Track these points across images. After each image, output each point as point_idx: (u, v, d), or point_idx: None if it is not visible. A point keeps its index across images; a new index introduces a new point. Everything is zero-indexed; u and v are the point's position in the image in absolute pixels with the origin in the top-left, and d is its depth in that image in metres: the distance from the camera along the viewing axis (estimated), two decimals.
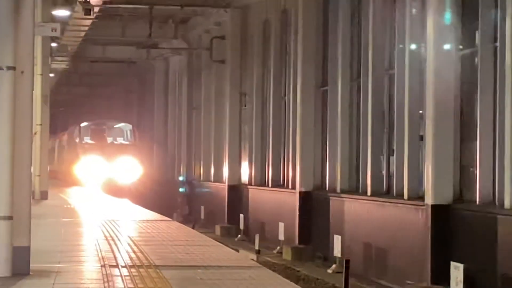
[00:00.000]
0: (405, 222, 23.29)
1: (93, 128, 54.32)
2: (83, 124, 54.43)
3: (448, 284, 20.05)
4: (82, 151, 51.47)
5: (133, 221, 20.94)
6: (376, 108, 26.58)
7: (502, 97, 20.01)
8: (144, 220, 20.88)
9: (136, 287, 9.11)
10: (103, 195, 40.15)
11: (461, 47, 22.45)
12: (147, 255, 11.74)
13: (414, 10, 24.12)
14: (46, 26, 22.56)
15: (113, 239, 14.34)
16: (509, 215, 19.22)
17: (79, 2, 27.86)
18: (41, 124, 25.20)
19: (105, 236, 14.48)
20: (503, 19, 20.10)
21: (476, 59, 21.71)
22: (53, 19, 27.98)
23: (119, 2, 38.49)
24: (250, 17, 38.90)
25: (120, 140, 54.73)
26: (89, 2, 27.11)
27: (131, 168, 50.12)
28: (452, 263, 19.99)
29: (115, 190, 45.22)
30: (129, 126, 55.13)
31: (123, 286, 9.15)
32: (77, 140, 52.86)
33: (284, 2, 34.08)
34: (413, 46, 24.31)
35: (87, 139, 53.15)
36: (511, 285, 18.94)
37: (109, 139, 54.19)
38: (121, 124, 56.03)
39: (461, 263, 19.80)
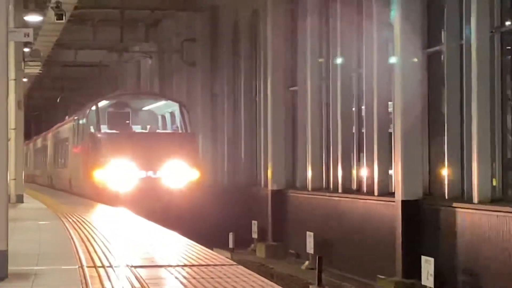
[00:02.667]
0: (376, 218, 23.34)
1: (115, 112, 34.09)
2: (103, 103, 33.83)
3: (419, 278, 20.17)
4: (102, 148, 30.72)
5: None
6: (345, 106, 26.65)
7: (469, 94, 20.14)
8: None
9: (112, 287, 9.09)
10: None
11: (427, 46, 22.41)
12: None
13: (380, 11, 24.07)
14: (18, 31, 22.43)
15: None
16: (477, 209, 19.29)
17: (51, 7, 27.75)
18: (15, 129, 25.10)
19: None
20: (468, 18, 20.24)
21: (442, 58, 21.81)
22: (26, 25, 27.91)
23: (90, 7, 38.34)
24: (220, 19, 38.82)
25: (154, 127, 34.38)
26: (60, 7, 26.99)
27: (181, 170, 30.24)
28: (423, 257, 20.12)
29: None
30: (175, 106, 33.70)
31: (100, 286, 9.12)
32: (91, 130, 31.86)
33: (253, 3, 34.07)
34: (380, 46, 24.25)
35: (108, 128, 32.67)
36: (477, 276, 19.06)
37: (140, 127, 33.92)
38: (161, 103, 34.88)
39: (432, 257, 19.90)
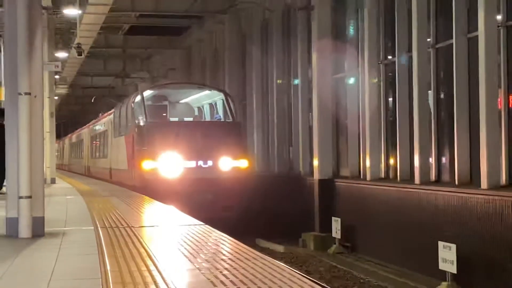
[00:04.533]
0: (302, 192, 22.85)
1: (159, 101, 25.88)
2: (147, 93, 24.59)
3: (331, 232, 20.28)
4: (148, 137, 22.07)
5: None
6: (280, 113, 26.72)
7: (363, 106, 20.25)
8: None
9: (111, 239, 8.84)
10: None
11: (336, 72, 22.25)
12: None
13: (303, 43, 23.94)
14: (51, 64, 22.54)
15: None
16: (370, 185, 19.36)
17: (74, 47, 27.98)
18: (49, 132, 25.15)
19: None
20: (363, 52, 20.35)
21: (345, 81, 21.82)
22: (56, 59, 28.10)
23: (101, 47, 38.40)
24: (192, 55, 38.89)
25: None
26: (81, 47, 27.24)
27: (231, 159, 22.04)
28: (333, 218, 20.25)
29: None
30: (220, 95, 24.73)
31: (109, 239, 8.92)
32: (136, 120, 23.03)
33: (215, 43, 34.26)
34: (304, 69, 24.15)
35: (152, 118, 23.36)
36: (368, 231, 19.01)
37: (185, 117, 25.41)
38: (206, 92, 25.58)
39: (339, 217, 20.02)
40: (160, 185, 20.95)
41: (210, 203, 20.95)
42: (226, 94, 24.37)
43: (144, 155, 21.73)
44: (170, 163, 21.42)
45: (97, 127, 35.92)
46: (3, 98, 12.27)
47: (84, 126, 44.33)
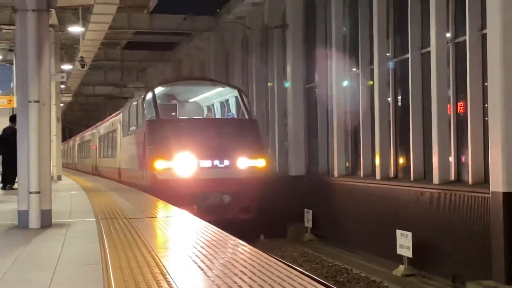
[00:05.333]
0: (278, 187, 21.99)
1: (171, 98, 22.39)
2: (158, 90, 20.92)
3: (303, 222, 20.26)
4: (160, 135, 18.40)
5: None
6: (259, 117, 26.63)
7: (331, 112, 20.32)
8: None
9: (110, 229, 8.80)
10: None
11: (306, 82, 22.26)
12: None
13: (279, 56, 23.85)
14: (57, 75, 22.44)
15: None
16: (336, 181, 19.34)
17: (77, 60, 27.86)
18: (55, 135, 25.01)
19: None
20: (331, 67, 20.36)
21: (316, 90, 21.77)
22: (62, 71, 27.96)
23: (102, 60, 38.29)
24: (182, 67, 38.74)
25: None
26: (83, 60, 27.12)
27: (248, 158, 18.50)
28: (305, 210, 20.21)
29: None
30: (234, 92, 21.09)
31: (109, 228, 8.88)
32: (148, 117, 19.26)
33: (202, 57, 34.17)
34: (279, 79, 24.00)
35: (164, 115, 19.90)
36: (337, 221, 18.76)
37: (198, 114, 22.04)
38: (219, 89, 21.51)
39: (310, 209, 19.99)
40: (173, 185, 17.35)
41: (227, 205, 17.93)
42: (240, 91, 20.56)
43: (157, 154, 17.91)
44: (184, 163, 17.72)
45: (105, 126, 32.08)
46: (15, 105, 12.21)
47: (92, 126, 41.39)
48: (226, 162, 18.11)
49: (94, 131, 37.22)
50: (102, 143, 32.24)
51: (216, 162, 18.04)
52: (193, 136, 18.18)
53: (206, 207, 16.59)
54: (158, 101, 19.80)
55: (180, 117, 20.95)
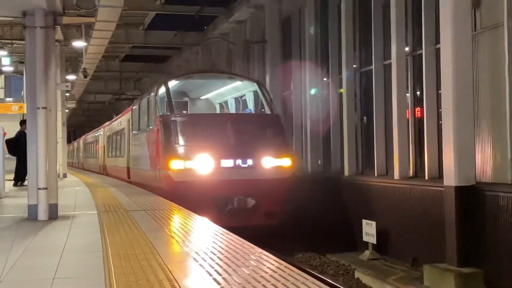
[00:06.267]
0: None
1: (187, 91, 18.68)
2: (172, 83, 16.23)
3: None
4: (174, 132, 14.15)
5: None
6: None
7: (305, 116, 20.28)
8: None
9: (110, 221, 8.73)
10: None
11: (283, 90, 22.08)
12: None
13: (259, 68, 23.68)
14: (62, 84, 22.27)
15: None
16: (310, 178, 19.13)
17: (81, 71, 27.73)
18: (61, 137, 24.87)
19: None
20: (305, 77, 20.37)
21: (292, 98, 21.64)
22: (67, 80, 27.87)
23: (103, 71, 38.16)
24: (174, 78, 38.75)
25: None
26: (86, 71, 27.00)
27: (273, 157, 14.10)
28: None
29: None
30: (253, 85, 16.34)
31: (109, 220, 8.83)
32: (159, 113, 15.27)
33: (191, 69, 34.17)
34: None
35: (179, 110, 15.82)
36: (312, 213, 18.47)
37: (216, 110, 18.64)
38: (238, 82, 16.84)
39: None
40: (191, 188, 13.81)
41: (251, 210, 14.18)
42: (260, 84, 16.52)
43: (173, 153, 14.21)
44: (203, 162, 13.97)
45: (113, 125, 27.93)
46: (25, 111, 12.11)
47: (100, 127, 36.25)
48: (250, 162, 14.16)
49: (102, 130, 32.93)
50: (110, 141, 28.04)
51: (239, 161, 14.11)
52: (213, 132, 14.45)
53: (227, 212, 13.76)
54: (175, 94, 16.60)
55: (197, 112, 17.54)
